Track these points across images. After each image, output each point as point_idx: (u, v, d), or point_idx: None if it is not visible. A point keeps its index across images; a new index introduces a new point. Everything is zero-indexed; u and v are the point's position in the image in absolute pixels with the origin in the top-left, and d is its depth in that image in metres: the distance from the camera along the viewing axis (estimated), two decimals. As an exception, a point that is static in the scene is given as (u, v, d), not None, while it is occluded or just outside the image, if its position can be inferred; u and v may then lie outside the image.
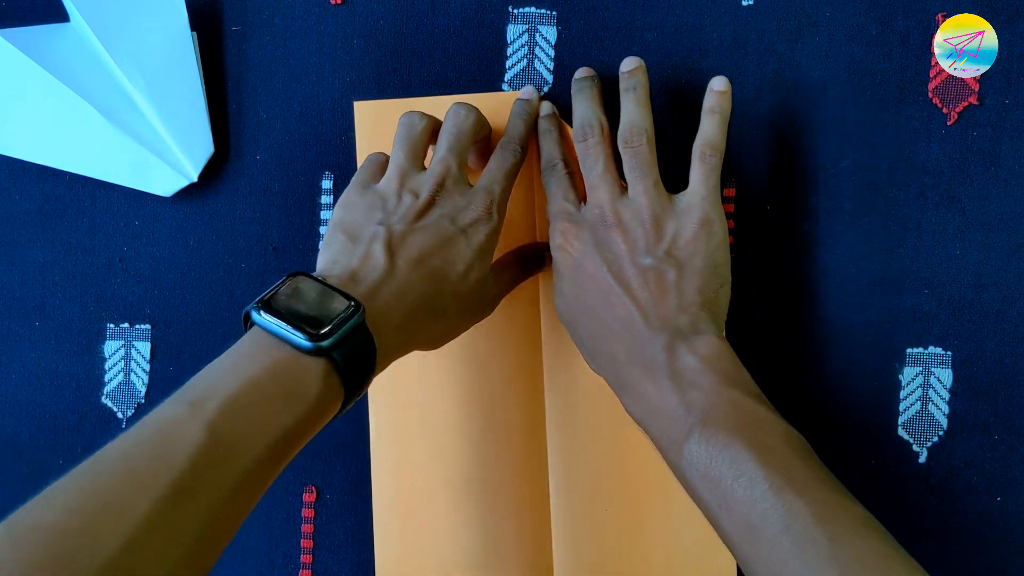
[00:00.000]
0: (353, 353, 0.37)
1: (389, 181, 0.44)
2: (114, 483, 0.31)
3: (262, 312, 0.36)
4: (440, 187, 0.43)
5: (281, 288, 0.38)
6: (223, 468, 0.32)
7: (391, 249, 0.41)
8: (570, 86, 0.50)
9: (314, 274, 0.39)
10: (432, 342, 0.44)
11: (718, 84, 0.46)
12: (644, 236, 0.43)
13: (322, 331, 0.36)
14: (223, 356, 0.36)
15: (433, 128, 0.46)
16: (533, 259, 0.49)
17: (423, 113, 0.46)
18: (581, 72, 0.48)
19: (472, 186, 0.45)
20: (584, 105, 0.47)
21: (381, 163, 0.46)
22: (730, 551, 0.37)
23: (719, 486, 0.36)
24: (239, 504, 0.34)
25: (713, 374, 0.40)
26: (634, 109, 0.46)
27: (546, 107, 0.49)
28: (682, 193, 0.45)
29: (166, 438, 0.32)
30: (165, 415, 0.33)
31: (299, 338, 0.36)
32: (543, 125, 0.49)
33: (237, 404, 0.33)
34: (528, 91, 0.49)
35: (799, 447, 0.38)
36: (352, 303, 0.37)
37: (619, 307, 0.42)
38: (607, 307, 0.43)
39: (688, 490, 0.39)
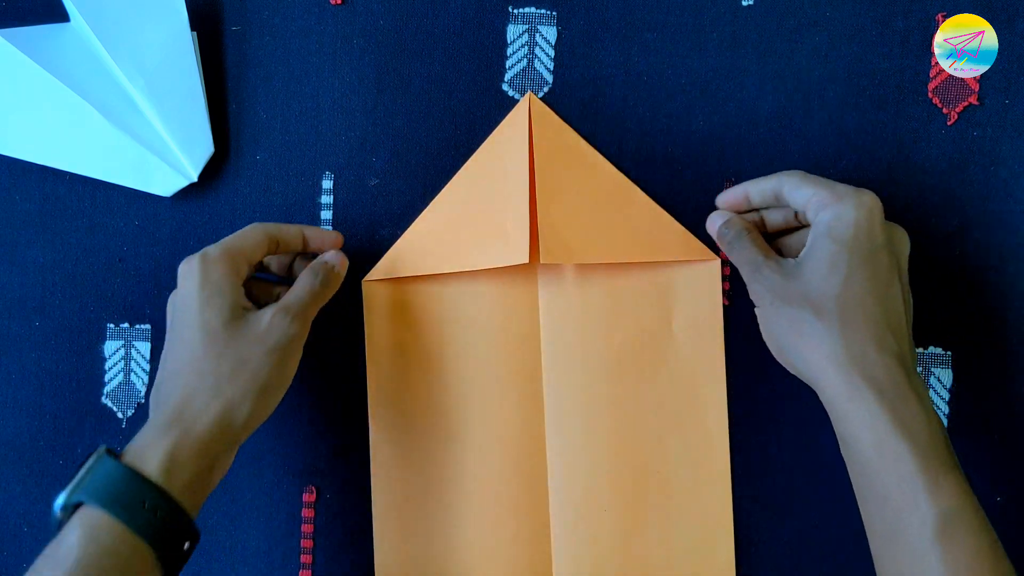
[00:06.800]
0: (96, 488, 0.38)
1: None
2: None
3: None
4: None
5: None
6: None
7: None
8: (570, 87, 0.50)
9: None
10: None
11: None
12: (900, 263, 0.43)
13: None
14: None
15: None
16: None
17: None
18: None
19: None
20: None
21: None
22: None
23: (976, 538, 0.36)
24: None
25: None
26: None
27: None
28: None
29: None
30: None
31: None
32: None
33: None
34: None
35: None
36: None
37: (894, 311, 0.41)
38: (884, 304, 0.40)
39: (899, 500, 0.37)
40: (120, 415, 0.53)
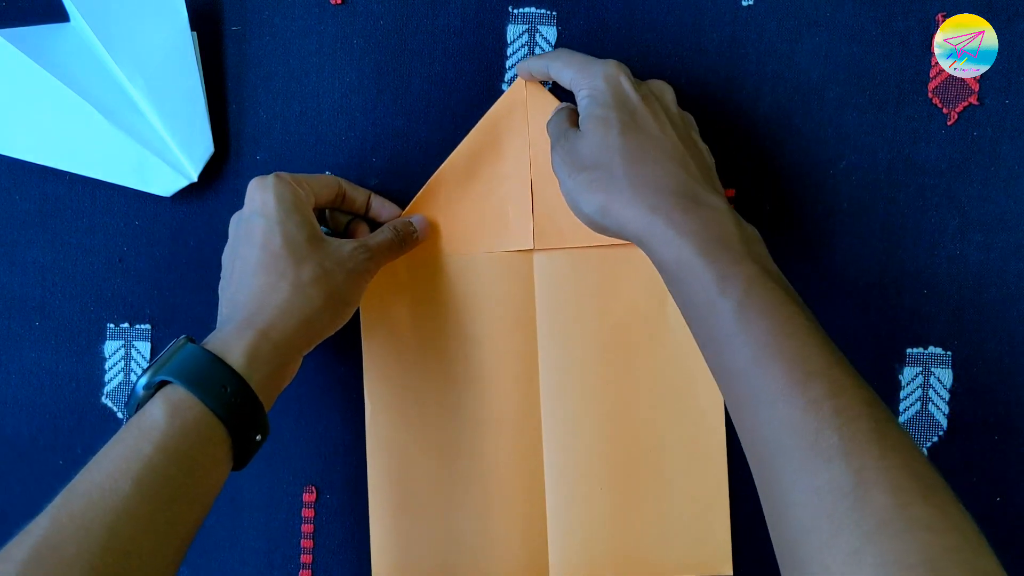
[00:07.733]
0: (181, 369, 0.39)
1: None
2: None
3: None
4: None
5: None
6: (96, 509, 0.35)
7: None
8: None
9: None
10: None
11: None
12: (667, 107, 0.46)
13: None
14: None
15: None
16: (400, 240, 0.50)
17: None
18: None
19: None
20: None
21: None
22: (716, 366, 0.40)
23: (771, 318, 0.38)
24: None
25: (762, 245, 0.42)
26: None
27: None
28: None
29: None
30: None
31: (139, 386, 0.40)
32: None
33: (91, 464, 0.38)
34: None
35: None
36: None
37: (671, 147, 0.43)
38: (661, 144, 0.43)
39: (703, 301, 0.39)
40: (120, 415, 0.53)
